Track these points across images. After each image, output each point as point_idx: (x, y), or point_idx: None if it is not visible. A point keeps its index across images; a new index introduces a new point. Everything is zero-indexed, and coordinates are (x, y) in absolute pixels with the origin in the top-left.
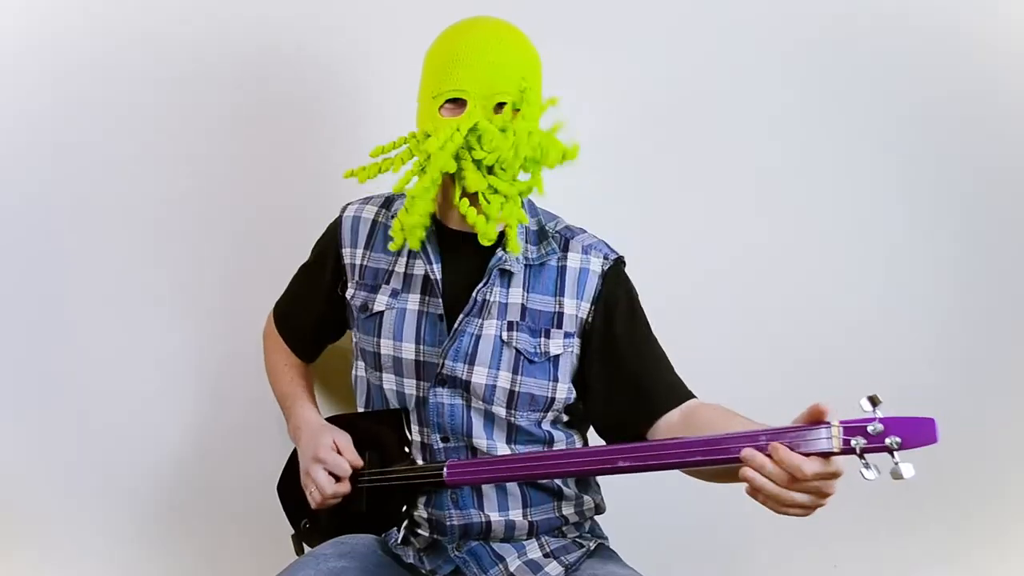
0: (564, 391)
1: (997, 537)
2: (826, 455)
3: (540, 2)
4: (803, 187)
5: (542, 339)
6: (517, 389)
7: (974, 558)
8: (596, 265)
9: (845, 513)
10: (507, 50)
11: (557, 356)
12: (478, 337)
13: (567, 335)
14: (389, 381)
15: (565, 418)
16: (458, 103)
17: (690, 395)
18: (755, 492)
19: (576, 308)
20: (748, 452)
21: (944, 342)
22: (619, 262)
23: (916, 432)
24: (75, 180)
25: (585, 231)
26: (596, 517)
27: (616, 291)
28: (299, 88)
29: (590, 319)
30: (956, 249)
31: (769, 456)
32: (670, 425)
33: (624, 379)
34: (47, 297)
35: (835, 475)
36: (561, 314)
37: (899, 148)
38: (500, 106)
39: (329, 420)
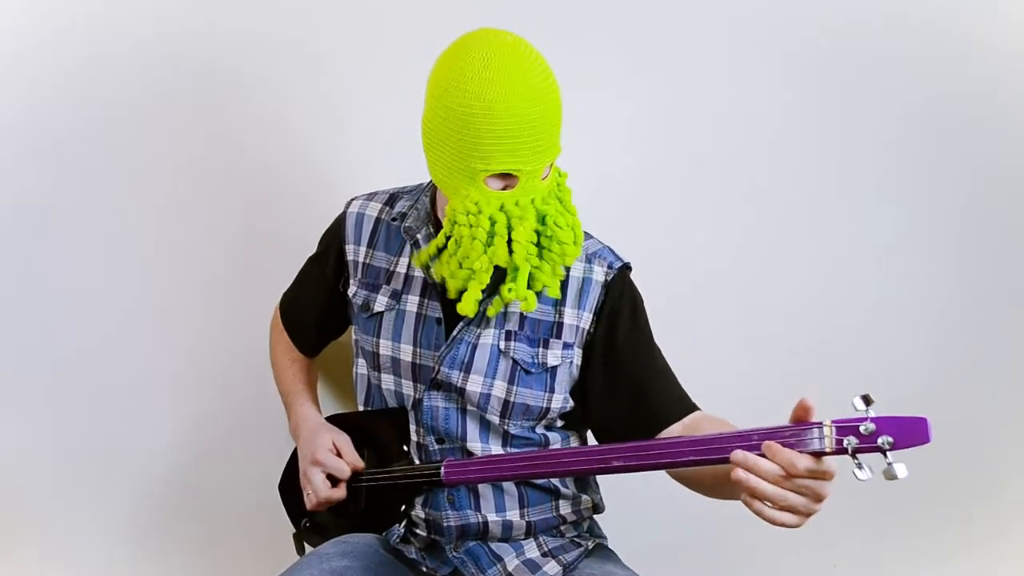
0: (559, 401)
1: (997, 537)
2: (819, 455)
3: (539, 3)
4: (803, 187)
5: (540, 349)
6: (512, 399)
7: (974, 558)
8: (599, 275)
9: (845, 513)
10: (549, 108)
11: (554, 367)
12: (475, 346)
13: (566, 346)
14: (387, 381)
15: (560, 423)
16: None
17: (693, 408)
18: (750, 494)
19: (577, 318)
20: (739, 454)
21: (945, 342)
22: (624, 269)
23: (908, 431)
24: (76, 179)
25: (591, 236)
26: (595, 516)
27: (620, 301)
28: (301, 87)
29: (592, 329)
30: (957, 249)
31: (762, 455)
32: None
33: (625, 391)
34: (46, 296)
35: (827, 474)
36: (561, 324)
37: (899, 148)
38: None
39: (329, 418)
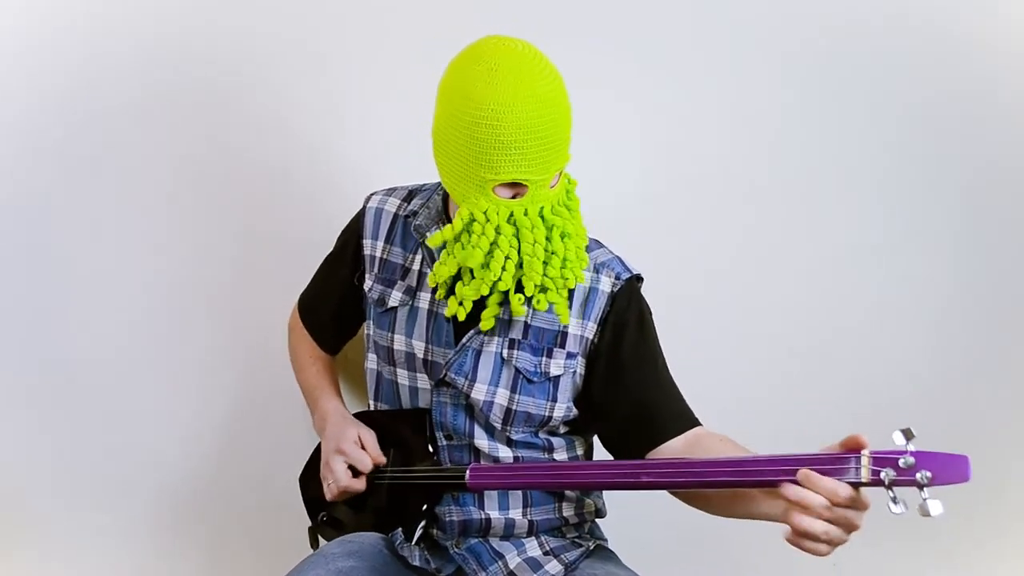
0: (562, 410)
1: (997, 537)
2: (854, 486)
3: (540, 3)
4: (803, 187)
5: (543, 358)
6: (514, 408)
7: (974, 558)
8: (606, 285)
9: None
10: (558, 116)
11: (557, 377)
12: (479, 353)
13: (570, 355)
14: (403, 376)
15: (563, 429)
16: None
17: (695, 423)
18: (800, 534)
19: (582, 328)
20: (792, 490)
21: (945, 342)
22: (632, 281)
23: (948, 468)
24: (76, 179)
25: (602, 246)
26: (596, 520)
27: (626, 312)
28: (301, 87)
29: (596, 339)
30: (957, 249)
31: (795, 481)
32: (673, 452)
33: (628, 403)
34: (46, 296)
35: (863, 504)
36: (565, 334)
37: (899, 148)
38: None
39: (356, 415)
